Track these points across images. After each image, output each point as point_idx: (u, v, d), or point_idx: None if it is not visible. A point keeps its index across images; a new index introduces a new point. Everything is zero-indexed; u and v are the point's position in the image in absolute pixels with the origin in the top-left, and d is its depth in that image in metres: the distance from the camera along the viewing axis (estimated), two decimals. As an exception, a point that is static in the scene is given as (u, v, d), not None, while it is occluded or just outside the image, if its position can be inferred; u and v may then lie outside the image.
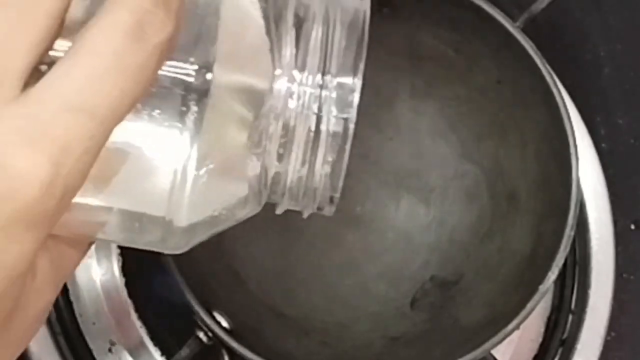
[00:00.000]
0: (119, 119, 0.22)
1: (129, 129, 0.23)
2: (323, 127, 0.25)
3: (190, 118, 0.23)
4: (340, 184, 0.26)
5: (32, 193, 0.20)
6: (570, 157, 0.44)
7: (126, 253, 0.51)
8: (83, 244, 0.27)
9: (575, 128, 0.45)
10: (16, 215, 0.21)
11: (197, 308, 0.41)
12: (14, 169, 0.20)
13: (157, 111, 0.23)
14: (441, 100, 0.52)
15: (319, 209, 0.27)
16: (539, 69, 0.45)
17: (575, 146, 0.45)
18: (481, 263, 0.50)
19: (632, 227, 0.55)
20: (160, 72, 0.23)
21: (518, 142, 0.49)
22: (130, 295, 0.50)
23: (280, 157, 0.26)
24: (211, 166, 0.24)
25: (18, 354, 0.25)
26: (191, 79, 0.23)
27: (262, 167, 0.26)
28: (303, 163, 0.26)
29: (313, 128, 0.25)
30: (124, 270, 0.50)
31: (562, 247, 0.43)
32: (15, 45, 0.21)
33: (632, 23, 0.58)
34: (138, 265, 0.51)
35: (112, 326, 0.49)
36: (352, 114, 0.25)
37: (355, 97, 0.25)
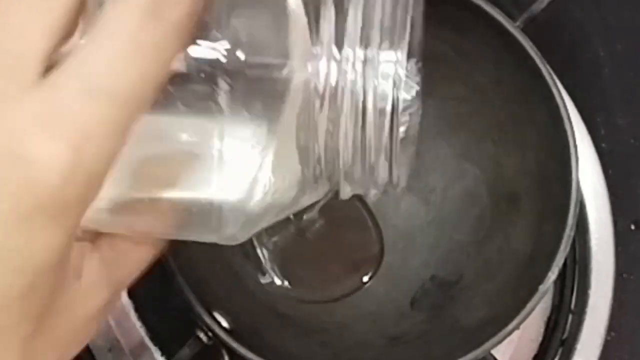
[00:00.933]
0: (142, 101, 0.21)
1: (164, 116, 0.22)
2: (369, 102, 0.24)
3: (223, 99, 0.22)
4: (397, 157, 0.25)
5: (52, 181, 0.20)
6: (570, 157, 0.44)
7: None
8: (148, 244, 0.27)
9: (575, 128, 0.45)
10: (38, 204, 0.20)
11: (197, 308, 0.41)
12: (32, 157, 0.20)
13: (189, 94, 0.22)
14: (441, 100, 0.52)
15: (383, 189, 0.26)
16: (539, 69, 0.45)
17: (575, 146, 0.45)
18: (481, 263, 0.50)
19: (632, 227, 0.55)
20: (190, 52, 0.22)
21: (518, 142, 0.49)
22: (130, 295, 0.50)
23: (329, 138, 0.25)
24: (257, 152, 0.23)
25: (70, 355, 0.25)
26: (221, 58, 0.22)
27: (311, 150, 0.25)
28: (353, 141, 0.25)
29: (360, 105, 0.24)
30: (124, 270, 0.50)
31: (562, 247, 0.43)
32: (34, 30, 0.21)
33: (632, 23, 0.58)
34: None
35: (112, 326, 0.49)
36: (399, 86, 0.25)
37: (401, 70, 0.25)
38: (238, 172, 0.23)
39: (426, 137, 0.53)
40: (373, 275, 0.51)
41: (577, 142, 0.45)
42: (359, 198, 0.52)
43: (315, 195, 0.26)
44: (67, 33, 0.22)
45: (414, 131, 0.26)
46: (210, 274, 0.46)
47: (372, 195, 0.27)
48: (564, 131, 0.45)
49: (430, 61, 0.51)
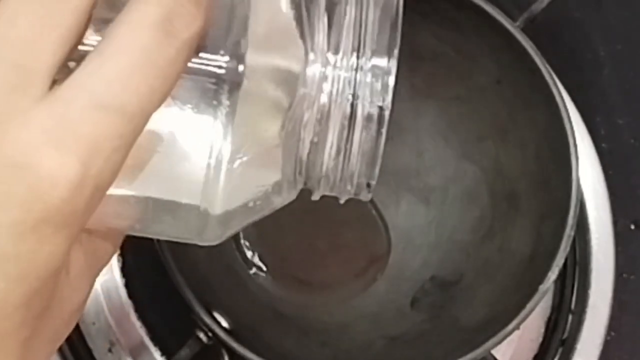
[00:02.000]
0: (148, 116, 0.22)
1: (163, 122, 0.23)
2: (358, 112, 0.25)
3: (222, 111, 0.23)
4: (377, 170, 0.26)
5: (61, 194, 0.20)
6: (570, 157, 0.44)
7: (126, 253, 0.51)
8: (117, 237, 0.27)
9: (575, 128, 0.45)
10: (46, 217, 0.21)
11: (197, 308, 0.41)
12: (42, 170, 0.20)
13: (189, 105, 0.23)
14: (441, 100, 0.52)
15: (355, 194, 0.27)
16: (539, 69, 0.45)
17: (575, 146, 0.45)
18: (481, 263, 0.50)
19: (632, 227, 0.55)
20: (190, 64, 0.22)
21: (518, 142, 0.49)
22: (130, 295, 0.50)
23: (315, 145, 0.25)
24: (245, 158, 0.24)
25: (55, 349, 0.25)
26: (222, 71, 0.22)
27: (296, 156, 0.25)
28: (338, 150, 0.25)
29: (348, 114, 0.25)
30: (124, 270, 0.50)
31: (562, 247, 0.43)
32: (44, 43, 0.21)
33: (632, 23, 0.58)
34: (138, 266, 0.51)
35: (112, 326, 0.49)
36: (388, 98, 0.25)
37: (391, 80, 0.25)
38: (228, 179, 0.24)
39: (426, 137, 0.53)
40: (379, 277, 0.52)
41: (577, 142, 0.45)
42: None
43: (289, 197, 0.27)
44: (76, 44, 0.22)
45: (381, 142, 0.26)
46: (210, 274, 0.46)
47: (342, 199, 0.27)
48: (564, 131, 0.45)
49: (430, 61, 0.51)
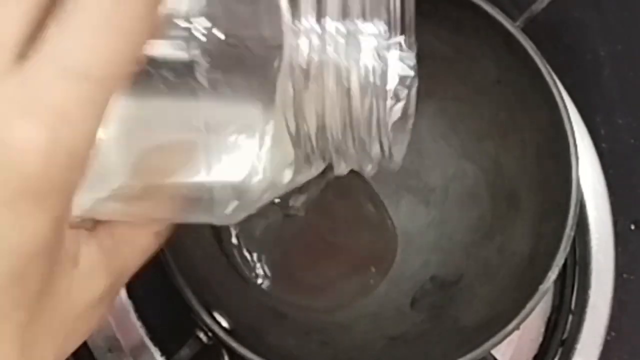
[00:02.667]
0: (118, 79, 0.21)
1: (155, 103, 0.22)
2: (353, 76, 0.24)
3: (207, 78, 0.22)
4: (387, 129, 0.25)
5: (33, 164, 0.20)
6: (570, 157, 0.44)
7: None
8: (150, 229, 0.27)
9: (575, 128, 0.45)
10: (20, 189, 0.20)
11: (197, 308, 0.41)
12: (11, 141, 0.20)
13: (170, 77, 0.22)
14: (441, 100, 0.52)
15: (379, 164, 0.26)
16: (539, 69, 0.45)
17: (575, 146, 0.45)
18: (481, 263, 0.50)
19: (632, 227, 0.55)
20: (170, 32, 0.22)
21: (518, 142, 0.49)
22: (130, 295, 0.50)
23: (318, 115, 0.25)
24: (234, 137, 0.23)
25: (69, 345, 0.25)
26: (202, 38, 0.22)
27: (302, 129, 0.25)
28: (341, 117, 0.25)
29: (344, 79, 0.24)
30: (124, 270, 0.50)
31: (562, 247, 0.43)
32: (9, 13, 0.21)
33: (632, 23, 0.58)
34: (138, 265, 0.51)
35: (112, 326, 0.49)
36: (384, 58, 0.24)
37: (383, 41, 0.24)
38: (235, 156, 0.23)
39: (426, 137, 0.53)
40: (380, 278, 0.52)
41: (577, 142, 0.45)
42: (371, 199, 0.52)
43: (310, 172, 0.26)
44: (45, 13, 0.21)
45: (410, 106, 0.26)
46: (210, 274, 0.46)
47: (368, 171, 0.27)
48: (564, 131, 0.45)
49: (430, 61, 0.51)
